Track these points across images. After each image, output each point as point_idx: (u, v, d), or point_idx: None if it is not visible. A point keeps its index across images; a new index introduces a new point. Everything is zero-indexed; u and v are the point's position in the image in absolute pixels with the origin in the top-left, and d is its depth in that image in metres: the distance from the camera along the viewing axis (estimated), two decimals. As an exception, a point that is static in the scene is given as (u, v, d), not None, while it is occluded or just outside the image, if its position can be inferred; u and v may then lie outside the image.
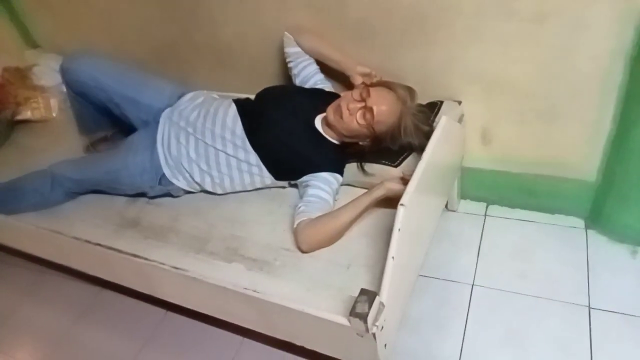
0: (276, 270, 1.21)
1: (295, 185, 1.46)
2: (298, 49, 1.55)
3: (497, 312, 1.39)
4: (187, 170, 1.44)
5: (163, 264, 1.24)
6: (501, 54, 1.35)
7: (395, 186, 1.24)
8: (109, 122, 1.72)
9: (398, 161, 1.34)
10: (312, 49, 1.55)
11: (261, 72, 1.81)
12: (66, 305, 1.73)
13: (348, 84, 1.55)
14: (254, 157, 1.39)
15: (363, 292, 0.99)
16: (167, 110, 1.52)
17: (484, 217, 1.68)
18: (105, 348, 1.57)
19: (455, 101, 1.49)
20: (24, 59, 2.24)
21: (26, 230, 1.50)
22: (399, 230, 1.03)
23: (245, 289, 1.11)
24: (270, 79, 1.80)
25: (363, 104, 1.30)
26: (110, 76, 1.53)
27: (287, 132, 1.38)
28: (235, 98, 1.53)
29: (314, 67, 1.56)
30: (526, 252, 1.53)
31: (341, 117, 1.31)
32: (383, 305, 0.99)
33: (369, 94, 1.30)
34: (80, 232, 1.42)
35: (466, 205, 1.72)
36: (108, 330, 1.63)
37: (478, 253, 1.56)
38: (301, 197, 1.36)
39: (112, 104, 1.56)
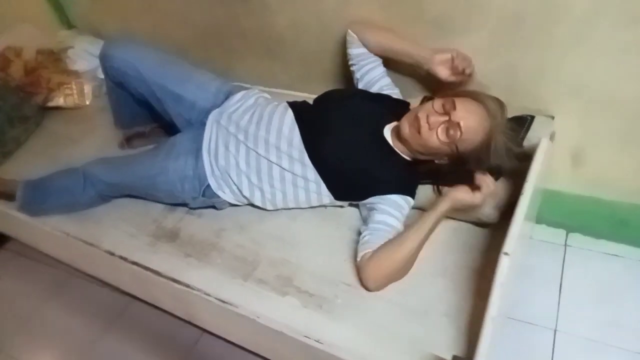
0: (337, 311, 1.04)
1: (356, 205, 1.28)
2: (363, 50, 1.35)
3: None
4: (234, 183, 1.27)
5: (208, 294, 1.08)
6: (613, 66, 1.13)
7: (463, 195, 1.07)
8: (147, 117, 1.57)
9: (484, 187, 1.14)
10: (381, 46, 1.34)
11: (314, 69, 1.62)
12: (93, 314, 1.60)
13: (419, 90, 1.35)
14: (312, 173, 1.21)
15: (456, 360, 0.81)
16: (215, 112, 1.35)
17: (563, 247, 1.46)
18: (132, 367, 1.45)
19: (547, 116, 1.28)
20: (58, 40, 2.09)
21: (54, 237, 1.36)
22: (502, 284, 0.84)
23: (306, 337, 0.94)
24: (324, 77, 1.61)
25: (446, 118, 1.10)
26: (153, 67, 1.36)
27: (353, 144, 1.19)
28: (290, 101, 1.35)
29: (380, 70, 1.36)
30: (615, 294, 1.32)
31: (419, 131, 1.12)
32: (477, 376, 0.82)
33: (454, 107, 1.10)
34: (113, 243, 1.28)
35: (542, 232, 1.51)
36: (136, 348, 1.49)
37: (560, 291, 1.35)
38: (365, 221, 1.18)
39: (153, 98, 1.40)
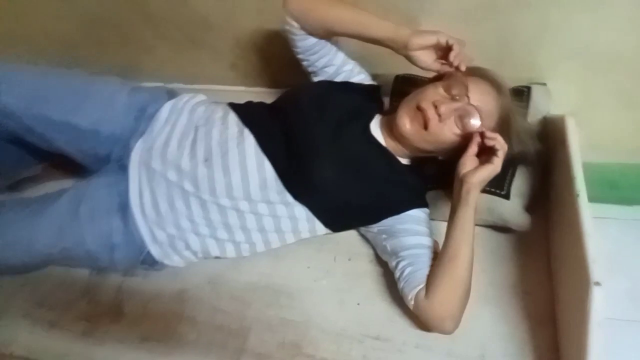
0: (375, 379, 0.80)
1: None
2: (311, 41, 0.98)
3: (631, 349, 1.11)
4: (193, 250, 0.95)
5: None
6: (625, 20, 0.99)
7: (482, 172, 0.83)
8: (34, 156, 1.11)
9: (506, 187, 0.96)
10: (333, 31, 0.96)
11: (253, 55, 1.29)
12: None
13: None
14: (300, 210, 0.92)
15: None
16: (139, 148, 0.95)
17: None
18: None
19: (539, 84, 1.12)
20: None
21: None
22: (599, 324, 0.66)
23: None
24: (266, 64, 1.30)
25: (459, 104, 0.87)
26: (25, 94, 0.93)
27: (350, 161, 0.91)
28: (232, 102, 1.01)
29: (340, 58, 1.03)
30: (624, 262, 1.25)
31: (425, 125, 0.88)
32: None
33: (467, 89, 0.87)
34: (26, 345, 0.90)
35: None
36: None
37: (568, 270, 1.26)
38: (391, 251, 0.91)
39: (32, 135, 0.97)
